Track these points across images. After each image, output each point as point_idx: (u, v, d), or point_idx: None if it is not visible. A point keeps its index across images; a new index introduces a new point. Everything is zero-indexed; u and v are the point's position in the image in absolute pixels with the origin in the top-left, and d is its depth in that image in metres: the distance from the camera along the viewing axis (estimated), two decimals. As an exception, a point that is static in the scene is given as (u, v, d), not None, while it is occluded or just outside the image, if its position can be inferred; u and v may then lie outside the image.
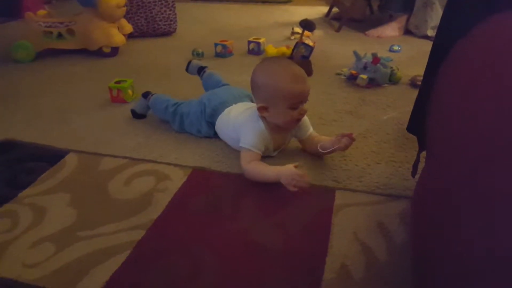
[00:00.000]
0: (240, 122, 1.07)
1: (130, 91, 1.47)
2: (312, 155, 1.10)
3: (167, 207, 0.92)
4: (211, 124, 1.18)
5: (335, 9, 2.67)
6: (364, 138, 1.19)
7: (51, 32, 1.89)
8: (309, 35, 2.11)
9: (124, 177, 1.03)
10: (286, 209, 0.92)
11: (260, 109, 1.01)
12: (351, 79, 1.61)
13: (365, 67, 1.56)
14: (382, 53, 1.85)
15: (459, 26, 0.67)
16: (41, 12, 1.94)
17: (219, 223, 0.88)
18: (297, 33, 2.13)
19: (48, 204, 0.94)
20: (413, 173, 0.91)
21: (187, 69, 1.49)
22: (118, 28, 1.99)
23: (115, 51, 1.94)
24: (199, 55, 1.88)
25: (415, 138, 0.93)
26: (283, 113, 0.99)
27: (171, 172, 1.05)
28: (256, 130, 1.03)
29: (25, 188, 0.99)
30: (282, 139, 1.09)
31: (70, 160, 1.11)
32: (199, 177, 1.03)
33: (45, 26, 1.87)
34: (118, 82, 1.46)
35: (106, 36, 1.88)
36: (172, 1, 2.18)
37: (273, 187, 0.98)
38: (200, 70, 1.44)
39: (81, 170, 1.07)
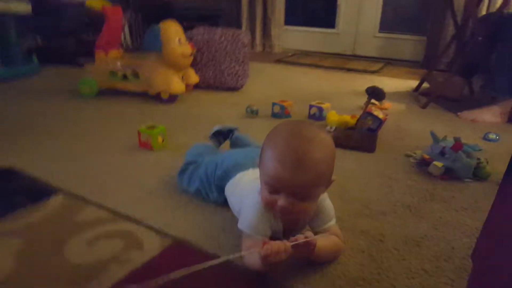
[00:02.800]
0: (246, 193, 0.84)
1: (160, 138, 1.34)
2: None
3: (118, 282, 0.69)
4: (221, 189, 0.97)
5: (425, 85, 2.35)
6: (417, 247, 0.85)
7: (117, 73, 1.92)
8: (385, 107, 1.83)
9: (94, 235, 0.85)
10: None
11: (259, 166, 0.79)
12: (423, 165, 1.27)
13: (442, 153, 1.22)
14: (473, 141, 1.48)
15: None
16: (113, 53, 1.99)
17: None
18: (373, 103, 1.87)
19: (-7, 250, 0.79)
20: (474, 327, 0.56)
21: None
22: (184, 77, 1.96)
23: (173, 98, 1.89)
24: (253, 112, 1.72)
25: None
26: (262, 186, 0.75)
27: (147, 239, 0.83)
28: (256, 210, 0.77)
29: (-15, 224, 0.86)
30: (293, 223, 0.82)
31: (54, 202, 0.97)
32: (175, 254, 0.80)
33: (113, 67, 1.91)
34: (151, 128, 1.35)
35: (165, 83, 1.84)
36: (243, 58, 2.11)
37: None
38: (229, 133, 1.29)
39: (55, 216, 0.92)
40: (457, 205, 1.04)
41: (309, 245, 0.71)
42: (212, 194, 0.98)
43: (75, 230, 0.86)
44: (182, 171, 1.05)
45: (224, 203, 0.97)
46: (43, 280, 0.71)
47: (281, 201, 0.71)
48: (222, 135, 1.28)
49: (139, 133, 1.33)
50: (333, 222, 0.81)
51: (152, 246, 0.81)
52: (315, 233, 0.82)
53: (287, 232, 0.82)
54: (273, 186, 0.71)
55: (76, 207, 0.95)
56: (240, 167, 0.94)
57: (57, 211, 0.94)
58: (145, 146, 1.33)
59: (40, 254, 0.78)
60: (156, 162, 1.24)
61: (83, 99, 1.90)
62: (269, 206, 0.74)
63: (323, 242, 0.75)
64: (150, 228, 0.88)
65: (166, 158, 1.27)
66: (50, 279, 0.71)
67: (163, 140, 1.35)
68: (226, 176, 0.94)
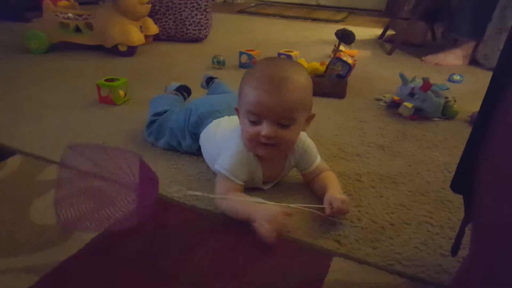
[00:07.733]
0: (226, 140, 0.80)
1: (121, 92, 1.25)
2: (317, 195, 0.80)
3: (86, 247, 0.65)
4: (195, 137, 0.92)
5: (390, 31, 2.35)
6: (394, 184, 0.86)
7: (68, 24, 1.76)
8: (353, 53, 1.81)
9: (59, 194, 0.79)
10: (249, 276, 0.61)
11: (236, 109, 0.78)
12: (393, 107, 1.28)
13: (411, 94, 1.23)
14: (439, 83, 1.51)
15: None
16: (63, 2, 1.82)
17: (145, 284, 0.60)
18: (341, 50, 1.84)
19: None
20: (454, 251, 0.58)
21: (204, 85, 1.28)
22: (142, 28, 1.83)
23: (132, 50, 1.77)
24: (219, 63, 1.65)
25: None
26: (243, 122, 0.74)
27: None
28: (237, 152, 0.75)
29: None
30: (276, 169, 0.80)
31: (11, 163, 0.90)
32: (152, 209, 0.76)
33: (63, 18, 1.74)
34: (110, 80, 1.25)
35: (123, 34, 1.72)
36: (205, 5, 1.99)
37: (246, 240, 0.69)
38: (209, 80, 1.25)
39: (15, 178, 0.84)
40: (428, 143, 1.06)
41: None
42: (184, 141, 0.93)
43: (38, 190, 0.80)
44: (150, 124, 0.99)
45: (197, 152, 0.93)
46: (8, 245, 0.65)
47: (264, 129, 0.69)
48: (185, 90, 1.22)
49: (98, 87, 1.24)
50: (318, 159, 0.81)
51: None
52: (304, 175, 0.82)
53: (267, 179, 0.80)
54: (255, 114, 0.70)
55: (37, 167, 0.88)
56: (215, 113, 0.90)
57: (17, 172, 0.86)
58: (106, 101, 1.25)
59: (3, 217, 0.72)
60: (120, 117, 1.17)
61: (33, 56, 1.74)
62: (252, 140, 0.72)
63: (338, 189, 0.77)
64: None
65: (130, 112, 1.20)
66: (15, 243, 0.66)
67: (125, 94, 1.27)
68: (201, 122, 0.90)
